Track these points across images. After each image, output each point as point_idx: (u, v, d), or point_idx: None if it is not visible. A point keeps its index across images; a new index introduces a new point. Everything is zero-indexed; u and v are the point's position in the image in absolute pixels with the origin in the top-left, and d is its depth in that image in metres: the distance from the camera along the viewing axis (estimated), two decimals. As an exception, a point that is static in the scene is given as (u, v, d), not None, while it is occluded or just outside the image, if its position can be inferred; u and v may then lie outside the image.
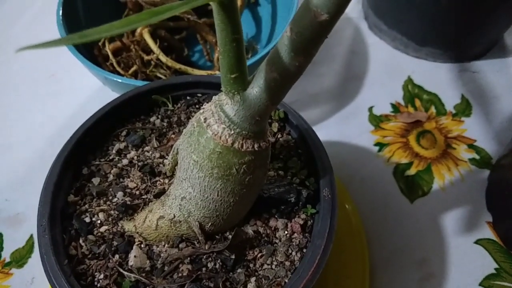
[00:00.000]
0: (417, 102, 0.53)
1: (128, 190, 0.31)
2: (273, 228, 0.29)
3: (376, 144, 0.49)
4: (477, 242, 0.43)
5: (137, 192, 0.31)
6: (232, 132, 0.24)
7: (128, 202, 0.30)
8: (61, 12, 0.44)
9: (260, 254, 0.28)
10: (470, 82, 0.54)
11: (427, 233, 0.44)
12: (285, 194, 0.29)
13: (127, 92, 0.34)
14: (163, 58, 0.45)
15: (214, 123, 0.25)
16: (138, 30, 0.47)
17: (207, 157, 0.25)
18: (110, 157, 0.33)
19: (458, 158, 0.48)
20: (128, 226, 0.29)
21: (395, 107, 0.52)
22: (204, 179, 0.25)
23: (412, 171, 0.47)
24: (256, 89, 0.23)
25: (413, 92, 0.54)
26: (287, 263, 0.28)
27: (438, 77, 0.55)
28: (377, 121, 0.51)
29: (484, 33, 0.54)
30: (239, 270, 0.27)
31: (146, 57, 0.46)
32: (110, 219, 0.30)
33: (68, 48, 0.42)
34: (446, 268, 0.41)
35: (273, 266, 0.27)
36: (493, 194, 0.45)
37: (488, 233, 0.43)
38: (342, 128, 0.51)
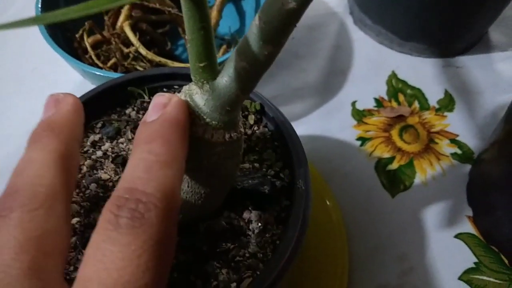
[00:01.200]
0: (401, 97, 0.53)
1: (101, 182, 0.30)
2: (246, 220, 0.29)
3: (358, 139, 0.49)
4: (457, 236, 0.43)
5: (110, 184, 0.30)
6: (202, 122, 0.24)
7: (101, 194, 0.30)
8: (39, 5, 0.44)
9: (232, 246, 0.28)
10: (453, 77, 0.55)
11: (408, 228, 0.44)
12: (259, 185, 0.29)
13: (102, 84, 0.34)
14: (143, 51, 0.45)
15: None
16: (119, 23, 0.46)
17: None
18: (85, 149, 0.32)
19: (440, 152, 0.48)
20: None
21: (379, 102, 0.52)
22: None
23: (394, 165, 0.47)
24: (225, 78, 0.23)
25: (397, 87, 0.54)
26: (260, 255, 0.27)
27: (422, 72, 0.55)
28: (360, 115, 0.51)
29: (469, 29, 0.54)
30: (211, 262, 0.27)
31: (125, 50, 0.45)
32: (82, 211, 0.29)
33: (46, 41, 0.42)
34: (426, 262, 0.41)
35: (245, 258, 0.27)
36: (474, 188, 0.45)
37: (468, 227, 0.43)
38: (325, 123, 0.51)
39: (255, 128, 0.33)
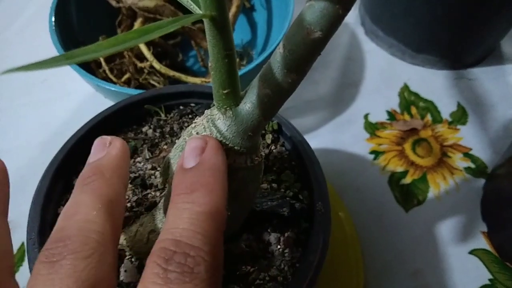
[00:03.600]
0: (413, 110, 0.52)
1: None
2: (265, 243, 0.29)
3: (371, 152, 0.49)
4: (471, 252, 0.43)
5: (128, 205, 0.30)
6: (224, 148, 0.24)
7: None
8: (53, 18, 0.44)
9: (252, 269, 0.27)
10: (466, 89, 0.54)
11: (422, 243, 0.43)
12: (278, 207, 0.29)
13: (119, 101, 0.34)
14: (156, 65, 0.45)
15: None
16: (132, 36, 0.46)
17: None
18: None
19: (453, 167, 0.48)
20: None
21: (391, 115, 0.52)
22: None
23: (407, 179, 0.47)
24: (248, 104, 0.23)
25: (409, 99, 0.53)
26: (280, 278, 0.27)
27: (434, 84, 0.55)
28: (372, 128, 0.51)
29: (481, 41, 0.54)
30: (230, 286, 0.27)
31: (139, 64, 0.45)
32: None
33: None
34: (440, 279, 0.41)
35: (265, 282, 0.27)
36: (488, 204, 0.44)
37: (483, 243, 0.43)
38: (337, 136, 0.50)
39: (272, 147, 0.33)
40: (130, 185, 0.31)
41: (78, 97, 0.54)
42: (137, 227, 0.28)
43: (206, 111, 0.25)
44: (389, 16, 0.55)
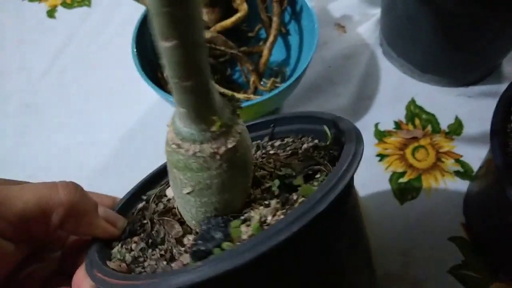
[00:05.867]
0: (417, 121, 0.63)
1: None
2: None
3: (377, 155, 0.61)
4: (450, 238, 0.54)
5: None
6: (172, 131, 0.28)
7: None
8: (135, 46, 0.58)
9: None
10: (464, 105, 0.65)
11: (412, 230, 0.55)
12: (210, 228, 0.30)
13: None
14: (210, 83, 0.58)
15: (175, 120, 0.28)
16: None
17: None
18: None
19: (445, 170, 0.59)
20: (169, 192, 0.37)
21: (397, 124, 0.63)
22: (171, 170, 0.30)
23: (405, 178, 0.59)
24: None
25: (414, 112, 0.64)
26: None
27: (437, 100, 0.65)
28: (381, 136, 0.63)
29: (481, 64, 0.64)
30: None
31: (197, 83, 0.59)
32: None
33: (140, 75, 0.56)
34: (425, 256, 0.53)
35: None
36: (468, 201, 0.55)
37: (461, 232, 0.54)
38: (351, 141, 0.62)
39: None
40: None
41: (149, 102, 0.69)
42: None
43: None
44: (399, 41, 0.66)
